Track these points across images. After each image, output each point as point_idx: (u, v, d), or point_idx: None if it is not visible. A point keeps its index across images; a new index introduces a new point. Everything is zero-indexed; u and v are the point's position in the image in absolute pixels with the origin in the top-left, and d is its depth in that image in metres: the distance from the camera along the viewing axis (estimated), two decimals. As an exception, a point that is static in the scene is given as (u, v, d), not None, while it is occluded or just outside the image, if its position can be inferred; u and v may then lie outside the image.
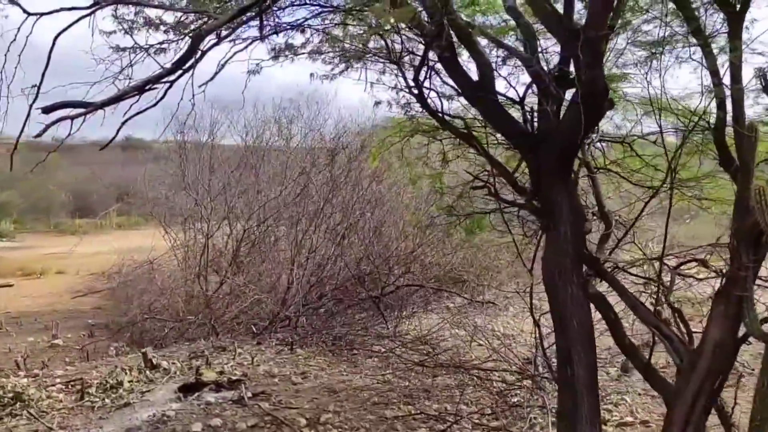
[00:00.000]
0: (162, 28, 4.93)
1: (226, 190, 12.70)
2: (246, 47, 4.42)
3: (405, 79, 4.78)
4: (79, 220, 31.40)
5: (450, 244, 9.78)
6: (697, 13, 3.87)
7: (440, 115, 4.85)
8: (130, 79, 4.35)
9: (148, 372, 7.66)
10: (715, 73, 3.78)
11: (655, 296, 4.23)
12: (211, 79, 4.11)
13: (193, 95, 3.99)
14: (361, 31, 4.81)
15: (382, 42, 4.89)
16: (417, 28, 4.09)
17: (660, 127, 4.11)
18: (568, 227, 4.07)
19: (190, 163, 13.73)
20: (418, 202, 9.66)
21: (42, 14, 4.01)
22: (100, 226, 29.31)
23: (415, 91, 4.60)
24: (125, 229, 28.35)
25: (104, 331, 12.25)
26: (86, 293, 15.61)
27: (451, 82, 4.70)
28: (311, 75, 5.23)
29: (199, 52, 3.99)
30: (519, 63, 4.67)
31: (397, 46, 4.89)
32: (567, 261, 4.08)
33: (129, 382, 7.29)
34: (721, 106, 3.83)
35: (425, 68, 4.51)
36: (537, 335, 6.36)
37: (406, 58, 4.98)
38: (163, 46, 4.73)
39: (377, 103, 5.68)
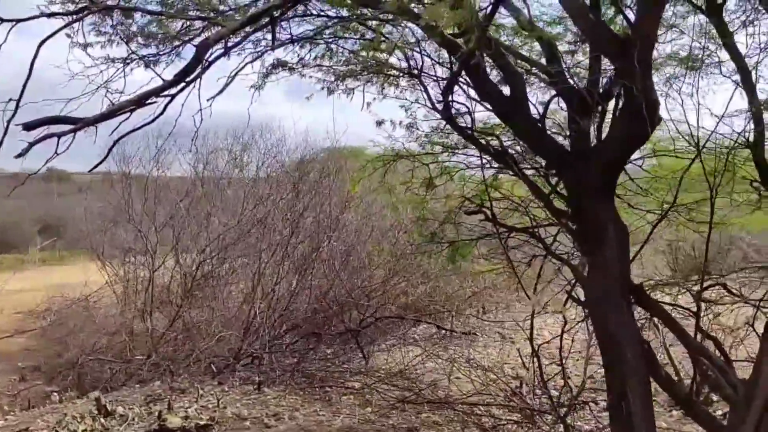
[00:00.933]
0: (148, 40, 4.52)
1: (176, 221, 12.04)
2: (257, 59, 4.06)
3: (427, 94, 4.51)
4: (-1, 255, 29.30)
5: (426, 273, 9.50)
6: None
7: (470, 132, 4.58)
8: (121, 93, 3.89)
9: (102, 419, 6.92)
10: (750, 89, 3.71)
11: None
12: (220, 92, 3.71)
13: (201, 109, 3.59)
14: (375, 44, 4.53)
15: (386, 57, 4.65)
16: (450, 39, 3.83)
17: (698, 147, 3.98)
18: (615, 248, 3.85)
19: (134, 193, 13.00)
20: (397, 229, 9.35)
21: (18, 20, 3.55)
22: (22, 261, 27.39)
23: (441, 107, 4.32)
24: (50, 264, 26.58)
25: (37, 375, 11.22)
26: (13, 334, 14.33)
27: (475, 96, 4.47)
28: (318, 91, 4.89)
29: (206, 63, 3.61)
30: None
31: (411, 62, 4.65)
32: (616, 285, 3.84)
33: (83, 431, 6.57)
34: (758, 122, 3.76)
35: (447, 83, 4.26)
36: (537, 366, 6.10)
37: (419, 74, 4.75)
38: (154, 58, 4.31)
39: (379, 123, 5.40)
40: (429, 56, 4.61)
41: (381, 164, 6.81)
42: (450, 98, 4.28)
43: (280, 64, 5.05)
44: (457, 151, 6.36)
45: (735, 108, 4.12)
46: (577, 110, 3.95)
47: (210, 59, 3.71)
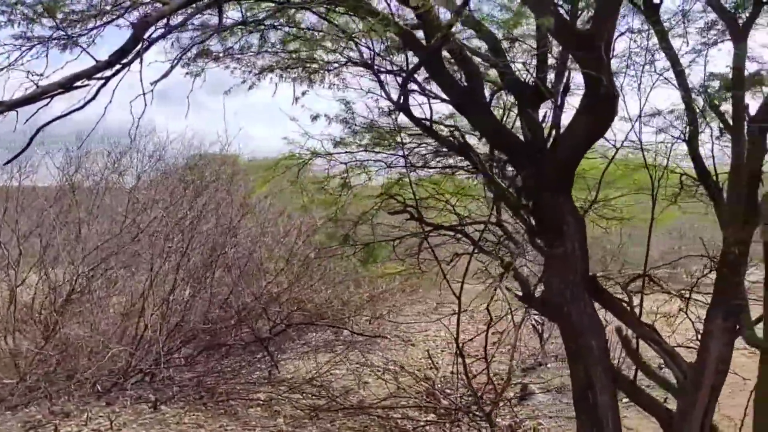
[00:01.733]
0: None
1: (43, 231, 10.88)
2: (204, 41, 3.72)
3: (382, 86, 4.37)
4: None
5: (328, 277, 9.27)
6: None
7: (428, 124, 4.48)
8: (40, 76, 3.41)
9: (-24, 453, 6.07)
10: (684, 86, 3.94)
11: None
12: (164, 76, 3.35)
13: (143, 93, 3.21)
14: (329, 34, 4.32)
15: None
16: (408, 30, 3.73)
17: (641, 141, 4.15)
18: (576, 242, 3.90)
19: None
20: (296, 234, 9.05)
21: None
22: None
23: (399, 99, 4.20)
24: None
25: None
26: None
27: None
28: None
29: (146, 43, 3.26)
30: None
31: (364, 52, 4.49)
32: (578, 279, 3.88)
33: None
34: (692, 120, 3.99)
35: (402, 75, 4.14)
36: (463, 366, 6.09)
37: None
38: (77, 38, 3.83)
39: (315, 118, 5.18)
40: (379, 54, 4.48)
41: (297, 162, 6.57)
42: (406, 91, 4.18)
43: (204, 54, 4.71)
44: (375, 150, 6.28)
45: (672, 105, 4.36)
46: (528, 104, 4.00)
47: (150, 39, 3.36)
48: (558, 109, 4.03)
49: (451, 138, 4.72)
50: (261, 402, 7.61)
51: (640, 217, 5.96)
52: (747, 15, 3.55)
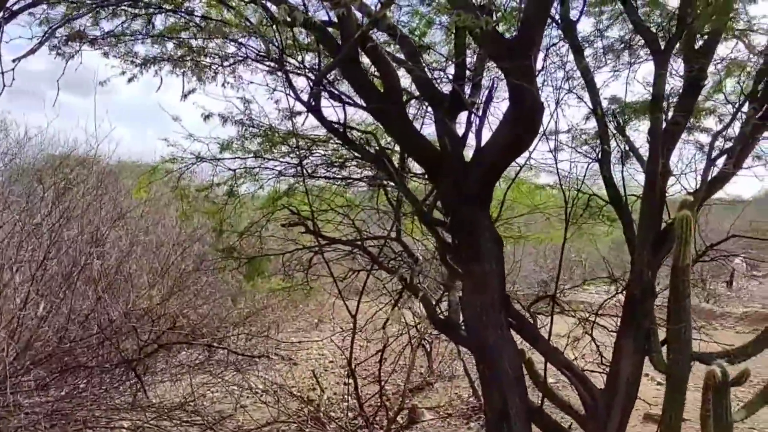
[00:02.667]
0: None
1: None
2: (77, 18, 3.18)
3: (291, 85, 3.98)
4: None
5: (202, 293, 8.61)
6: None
7: (341, 130, 4.13)
8: None
9: None
10: (596, 103, 3.91)
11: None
12: (30, 53, 2.82)
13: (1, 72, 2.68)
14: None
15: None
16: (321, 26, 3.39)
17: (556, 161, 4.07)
18: (493, 261, 3.69)
19: None
20: (170, 246, 8.32)
21: None
22: None
23: (310, 101, 3.82)
24: None
25: None
26: None
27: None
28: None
29: (7, 13, 2.78)
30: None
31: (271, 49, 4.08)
32: (495, 298, 3.68)
33: None
34: (604, 138, 3.97)
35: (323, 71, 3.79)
36: (354, 388, 5.76)
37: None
38: None
39: (207, 117, 4.68)
40: (286, 52, 4.10)
41: (178, 168, 6.01)
42: (320, 90, 3.83)
43: (77, 36, 4.12)
44: (267, 156, 5.87)
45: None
46: (446, 113, 3.80)
47: (12, 8, 2.86)
48: (480, 120, 3.86)
49: (367, 145, 4.43)
50: (125, 430, 6.86)
51: (535, 237, 6.00)
52: (669, 36, 3.59)
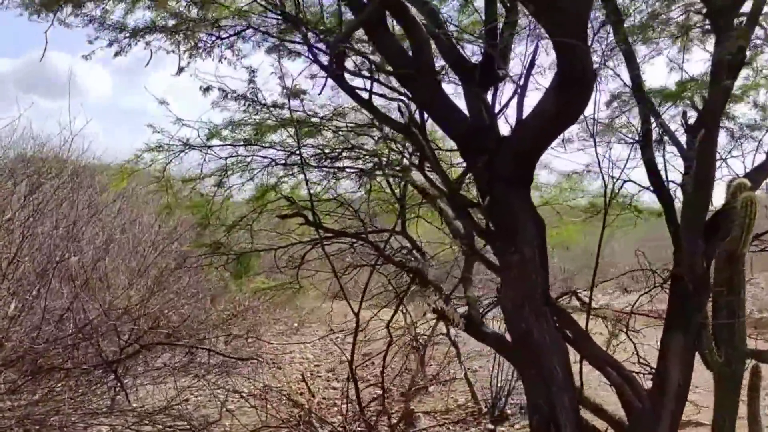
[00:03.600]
0: None
1: None
2: None
3: (310, 47, 3.67)
4: None
5: (183, 293, 8.23)
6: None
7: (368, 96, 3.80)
8: None
9: None
10: (636, 78, 3.68)
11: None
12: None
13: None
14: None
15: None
16: None
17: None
18: (535, 249, 3.37)
19: None
20: (167, 239, 7.95)
21: None
22: None
23: (331, 64, 3.50)
24: None
25: None
26: None
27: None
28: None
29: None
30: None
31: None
32: (537, 288, 3.36)
33: None
34: (646, 119, 3.74)
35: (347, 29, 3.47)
36: (356, 392, 5.46)
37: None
38: None
39: (207, 89, 4.35)
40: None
41: (163, 156, 5.66)
42: (343, 49, 3.51)
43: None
44: (262, 144, 5.56)
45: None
46: (477, 84, 3.50)
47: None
48: (521, 90, 3.58)
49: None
50: (101, 436, 6.48)
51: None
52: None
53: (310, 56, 3.84)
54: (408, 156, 5.29)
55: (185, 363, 9.07)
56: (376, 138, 5.74)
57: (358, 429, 6.07)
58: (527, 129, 3.46)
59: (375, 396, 7.49)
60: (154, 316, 7.27)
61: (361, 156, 5.53)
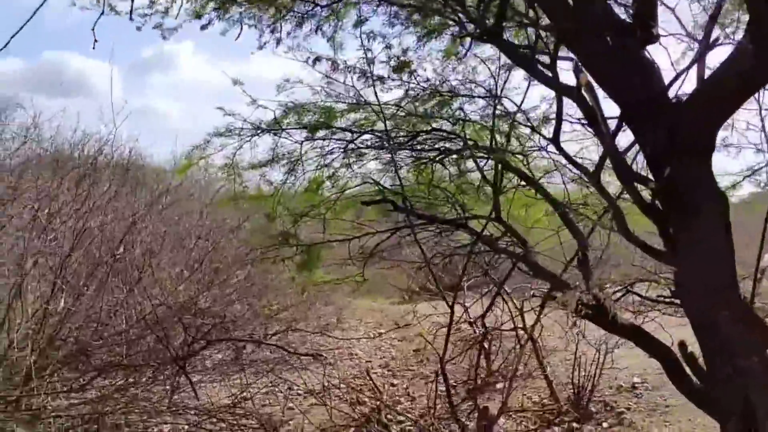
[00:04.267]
0: None
1: None
2: None
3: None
4: None
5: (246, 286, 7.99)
6: None
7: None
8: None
9: None
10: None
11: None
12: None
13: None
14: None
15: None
16: None
17: None
18: (721, 227, 3.04)
19: None
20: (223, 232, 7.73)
21: None
22: None
23: (484, 21, 3.18)
24: None
25: None
26: None
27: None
28: None
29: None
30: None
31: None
32: (727, 278, 3.02)
33: None
34: None
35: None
36: (446, 391, 5.19)
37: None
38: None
39: (316, 60, 4.10)
40: None
41: (237, 139, 5.43)
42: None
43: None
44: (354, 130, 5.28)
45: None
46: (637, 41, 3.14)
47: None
48: (704, 45, 3.27)
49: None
50: (166, 433, 6.25)
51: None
52: None
53: (458, 17, 3.55)
54: (498, 140, 5.03)
55: (232, 359, 8.84)
56: (452, 120, 5.48)
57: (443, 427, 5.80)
58: (714, 91, 3.15)
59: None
60: (218, 311, 7.02)
61: (450, 138, 5.26)
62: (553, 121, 4.32)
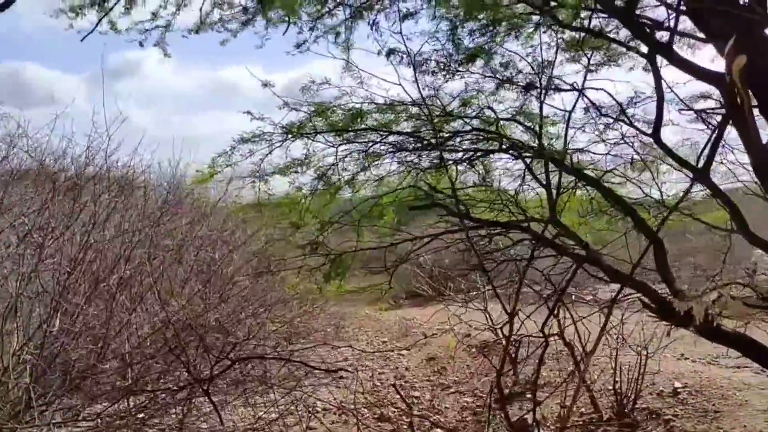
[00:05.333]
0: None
1: None
2: None
3: None
4: None
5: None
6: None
7: None
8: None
9: None
10: None
11: None
12: None
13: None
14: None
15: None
16: None
17: None
18: None
19: None
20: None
21: None
22: None
23: None
24: None
25: None
26: None
27: None
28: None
29: None
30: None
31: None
32: None
33: None
34: None
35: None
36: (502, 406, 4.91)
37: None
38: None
39: (390, 53, 3.82)
40: None
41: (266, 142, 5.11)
42: None
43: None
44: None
45: None
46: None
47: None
48: None
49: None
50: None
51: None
52: None
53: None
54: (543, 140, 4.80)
55: (239, 379, 8.44)
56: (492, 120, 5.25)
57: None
58: None
59: (464, 405, 6.98)
60: (227, 328, 6.63)
61: (494, 138, 5.02)
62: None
